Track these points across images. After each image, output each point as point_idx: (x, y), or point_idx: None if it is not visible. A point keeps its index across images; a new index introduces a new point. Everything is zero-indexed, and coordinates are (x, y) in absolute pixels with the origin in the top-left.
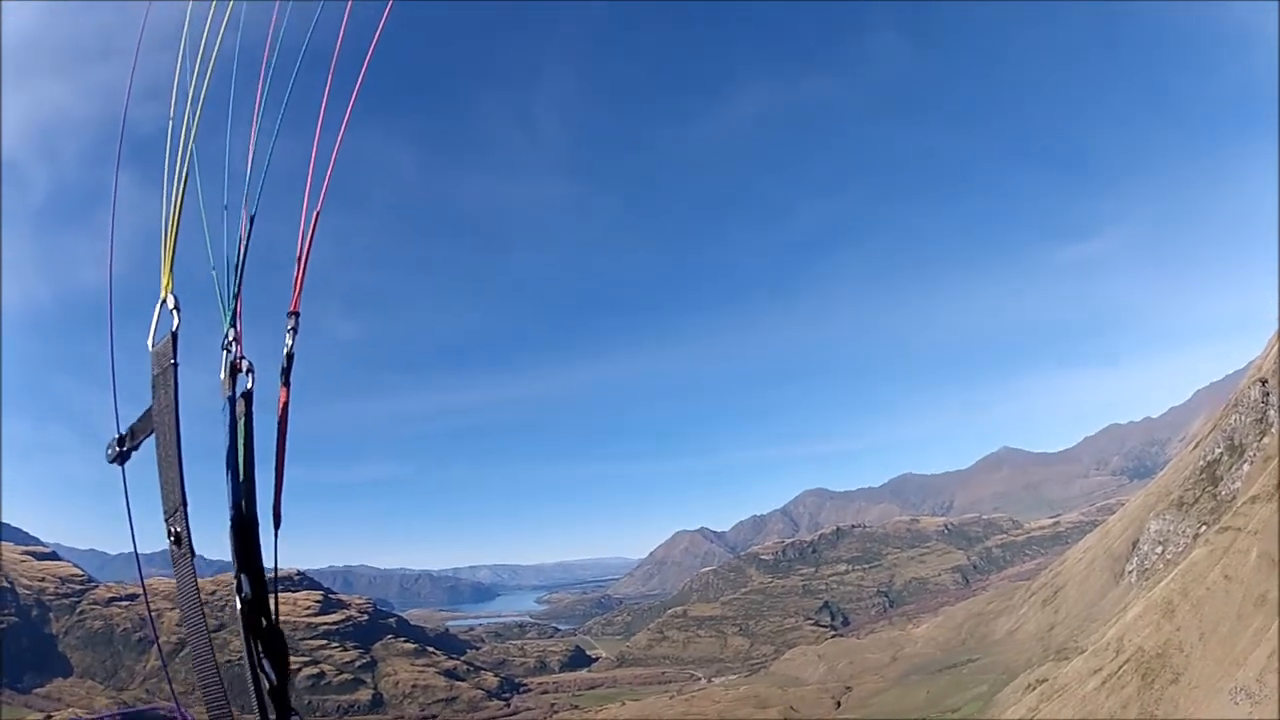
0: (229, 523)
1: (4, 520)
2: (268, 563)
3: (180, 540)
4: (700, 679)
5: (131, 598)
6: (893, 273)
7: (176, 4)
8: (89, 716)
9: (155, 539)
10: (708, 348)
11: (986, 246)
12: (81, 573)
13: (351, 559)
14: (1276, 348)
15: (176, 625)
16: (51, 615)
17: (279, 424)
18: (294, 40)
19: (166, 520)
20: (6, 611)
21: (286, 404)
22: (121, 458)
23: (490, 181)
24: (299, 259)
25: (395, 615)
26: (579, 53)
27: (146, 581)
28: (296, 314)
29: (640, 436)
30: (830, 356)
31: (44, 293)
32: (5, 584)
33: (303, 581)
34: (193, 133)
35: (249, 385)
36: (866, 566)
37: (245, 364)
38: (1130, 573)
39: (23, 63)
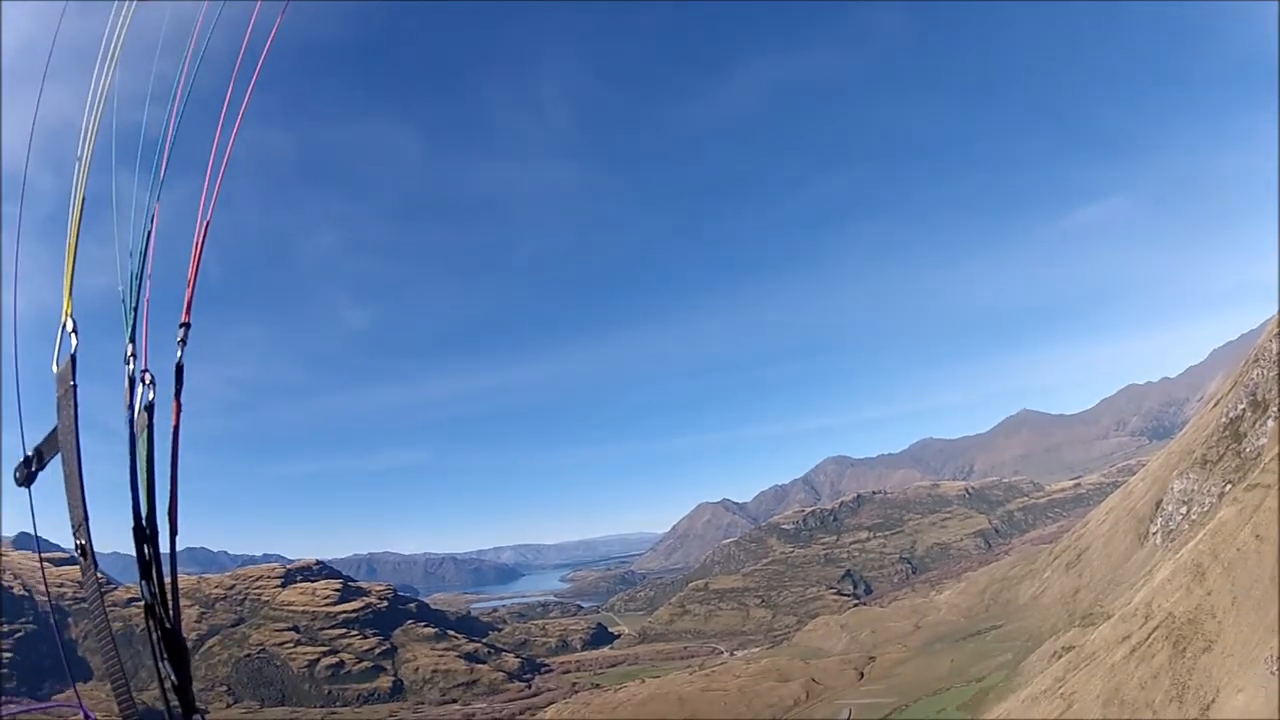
0: (131, 532)
1: (22, 529)
2: (170, 568)
3: (85, 552)
4: (722, 653)
5: None
6: (906, 244)
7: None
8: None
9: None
10: (723, 324)
11: (997, 215)
12: (100, 576)
13: (375, 546)
14: None
15: (195, 622)
16: (70, 620)
17: (172, 436)
18: (176, 49)
19: (74, 534)
20: (24, 619)
21: (178, 418)
22: (29, 479)
23: (496, 165)
24: (191, 271)
25: (416, 600)
26: (581, 33)
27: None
28: (187, 325)
29: (659, 413)
30: (848, 328)
31: (60, 300)
32: (23, 592)
33: (321, 571)
34: (90, 151)
35: (150, 398)
36: (888, 533)
37: (148, 377)
38: (1155, 534)
39: (27, 67)
